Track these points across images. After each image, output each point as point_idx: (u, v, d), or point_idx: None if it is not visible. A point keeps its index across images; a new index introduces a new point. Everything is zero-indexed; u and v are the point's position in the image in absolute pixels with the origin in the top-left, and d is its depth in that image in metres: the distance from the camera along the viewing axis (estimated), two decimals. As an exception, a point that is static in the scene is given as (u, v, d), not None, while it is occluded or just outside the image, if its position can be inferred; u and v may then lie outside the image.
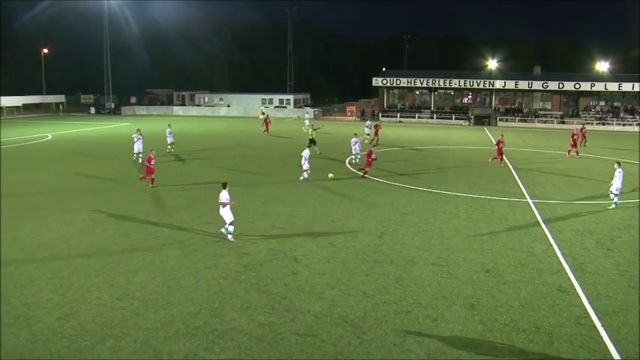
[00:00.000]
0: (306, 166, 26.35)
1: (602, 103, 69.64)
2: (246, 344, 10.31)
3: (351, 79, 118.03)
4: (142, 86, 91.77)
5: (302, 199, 22.61)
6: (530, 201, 22.92)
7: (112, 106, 76.99)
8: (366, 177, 27.40)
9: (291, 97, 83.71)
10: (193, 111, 79.62)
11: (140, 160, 30.70)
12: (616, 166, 22.03)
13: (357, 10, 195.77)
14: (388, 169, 29.33)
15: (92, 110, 77.62)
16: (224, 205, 16.23)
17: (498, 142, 33.08)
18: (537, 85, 68.51)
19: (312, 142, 34.70)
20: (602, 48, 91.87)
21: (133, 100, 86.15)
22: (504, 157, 33.32)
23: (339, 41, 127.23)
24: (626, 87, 65.66)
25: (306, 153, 26.57)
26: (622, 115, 66.72)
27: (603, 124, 64.54)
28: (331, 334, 10.73)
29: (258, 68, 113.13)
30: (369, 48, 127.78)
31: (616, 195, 21.68)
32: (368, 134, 43.39)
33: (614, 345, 10.46)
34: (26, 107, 76.64)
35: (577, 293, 12.97)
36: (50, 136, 45.92)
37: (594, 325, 11.30)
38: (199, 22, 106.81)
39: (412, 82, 72.94)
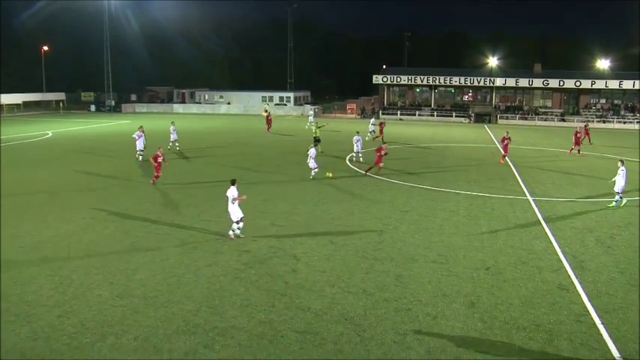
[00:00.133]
0: (312, 164, 26.21)
1: (603, 100, 69.59)
2: (247, 342, 10.32)
3: (352, 76, 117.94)
4: (142, 84, 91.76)
5: (302, 196, 22.61)
6: (530, 199, 22.92)
7: (113, 103, 77.00)
8: (368, 174, 27.40)
9: (291, 94, 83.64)
10: (193, 108, 79.57)
11: (140, 158, 30.67)
12: (619, 164, 21.91)
13: (357, 9, 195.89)
14: (389, 167, 29.29)
15: (92, 108, 77.61)
16: (233, 201, 16.18)
17: (503, 139, 32.98)
18: (538, 82, 68.48)
19: (317, 140, 34.43)
20: (602, 46, 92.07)
21: (133, 97, 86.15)
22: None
23: (340, 39, 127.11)
24: (627, 84, 65.59)
25: (312, 152, 26.49)
26: (622, 112, 66.68)
27: (604, 122, 64.50)
28: (331, 332, 10.74)
29: (258, 66, 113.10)
30: (369, 46, 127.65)
31: (617, 193, 21.60)
32: (373, 131, 43.56)
33: (614, 342, 10.47)
34: (26, 105, 76.63)
35: (577, 291, 12.97)
36: (50, 134, 45.92)
37: (594, 323, 11.31)
38: (199, 19, 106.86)
39: (412, 80, 72.91)
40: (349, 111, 77.86)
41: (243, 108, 78.23)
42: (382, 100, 75.58)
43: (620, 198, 21.61)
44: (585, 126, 44.66)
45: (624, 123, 64.08)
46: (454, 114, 69.94)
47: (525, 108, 70.35)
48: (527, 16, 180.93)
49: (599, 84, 66.75)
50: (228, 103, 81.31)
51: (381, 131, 42.19)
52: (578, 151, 37.05)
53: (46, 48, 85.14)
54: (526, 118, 67.33)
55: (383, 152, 27.60)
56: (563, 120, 66.04)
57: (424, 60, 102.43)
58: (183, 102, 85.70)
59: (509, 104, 71.67)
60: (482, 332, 10.87)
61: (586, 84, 66.67)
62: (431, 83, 72.66)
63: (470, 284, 13.29)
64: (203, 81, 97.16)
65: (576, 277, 13.81)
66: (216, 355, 9.86)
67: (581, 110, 68.45)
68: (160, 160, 24.16)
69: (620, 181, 21.43)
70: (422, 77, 72.20)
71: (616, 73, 71.76)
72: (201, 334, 10.55)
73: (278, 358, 9.82)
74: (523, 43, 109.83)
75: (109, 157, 33.30)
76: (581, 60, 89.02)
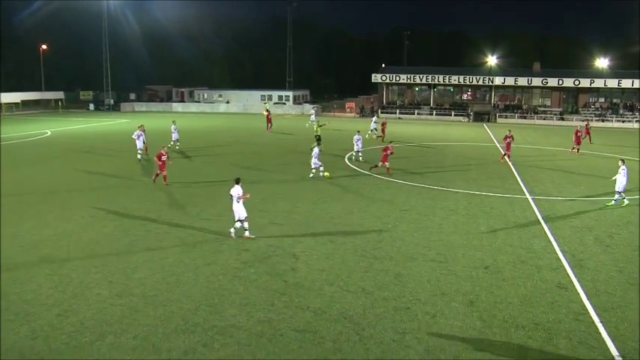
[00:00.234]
0: (316, 164, 26.19)
1: (602, 99, 69.65)
2: (246, 340, 10.33)
3: (351, 75, 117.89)
4: (141, 82, 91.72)
5: (301, 195, 22.61)
6: (529, 197, 22.94)
7: (111, 102, 76.97)
8: (373, 170, 27.52)
9: (290, 93, 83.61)
10: (192, 107, 79.51)
11: (139, 156, 30.65)
12: (620, 163, 21.85)
13: (357, 8, 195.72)
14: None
15: (91, 106, 77.54)
16: (238, 199, 16.18)
17: (505, 138, 32.99)
18: (537, 81, 68.51)
19: (318, 139, 34.28)
20: (601, 45, 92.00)
21: (132, 96, 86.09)
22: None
23: (339, 38, 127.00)
24: (626, 83, 65.63)
25: (315, 151, 26.45)
26: (621, 111, 66.71)
27: (602, 121, 64.51)
28: (330, 331, 10.75)
29: (257, 64, 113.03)
30: (368, 44, 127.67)
31: (618, 192, 21.57)
32: (375, 129, 43.60)
33: (613, 341, 10.49)
34: (25, 104, 76.56)
35: (576, 290, 12.99)
36: (49, 133, 45.88)
37: (593, 322, 11.33)
38: (198, 18, 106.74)
39: (411, 79, 72.92)
40: (348, 110, 77.82)
41: (242, 107, 78.16)
42: (381, 99, 75.57)
43: (622, 197, 21.59)
44: (586, 125, 44.65)
45: (623, 122, 64.11)
46: (453, 113, 69.92)
47: (524, 107, 70.37)
48: (527, 15, 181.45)
49: (598, 83, 66.79)
50: (227, 102, 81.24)
51: (383, 131, 42.19)
52: (578, 150, 37.06)
53: (45, 47, 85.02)
54: (525, 117, 67.34)
55: (389, 152, 27.64)
56: (562, 119, 66.06)
57: (424, 59, 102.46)
58: (182, 101, 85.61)
59: (508, 103, 71.70)
60: (481, 331, 10.88)
61: (585, 83, 66.70)
62: (430, 82, 72.68)
63: (469, 283, 13.31)
64: (202, 80, 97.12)
65: (575, 276, 13.83)
66: (216, 353, 9.87)
67: (580, 109, 68.48)
68: (163, 158, 24.15)
69: (621, 180, 21.36)
70: (421, 76, 72.21)
71: (615, 72, 71.77)
72: (201, 333, 10.56)
73: (277, 356, 9.83)
74: (522, 42, 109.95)
75: (108, 156, 33.27)
76: (580, 59, 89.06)
